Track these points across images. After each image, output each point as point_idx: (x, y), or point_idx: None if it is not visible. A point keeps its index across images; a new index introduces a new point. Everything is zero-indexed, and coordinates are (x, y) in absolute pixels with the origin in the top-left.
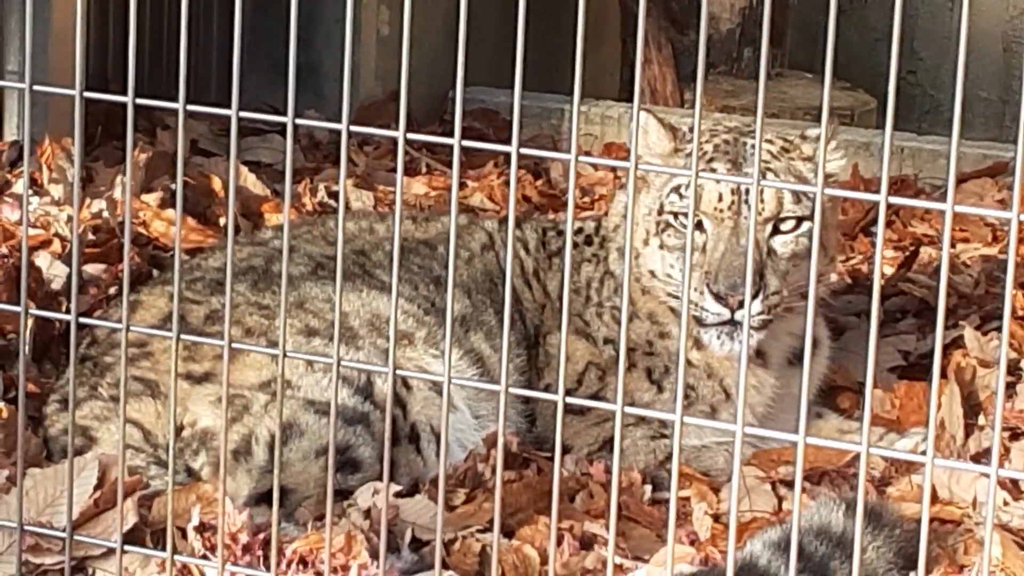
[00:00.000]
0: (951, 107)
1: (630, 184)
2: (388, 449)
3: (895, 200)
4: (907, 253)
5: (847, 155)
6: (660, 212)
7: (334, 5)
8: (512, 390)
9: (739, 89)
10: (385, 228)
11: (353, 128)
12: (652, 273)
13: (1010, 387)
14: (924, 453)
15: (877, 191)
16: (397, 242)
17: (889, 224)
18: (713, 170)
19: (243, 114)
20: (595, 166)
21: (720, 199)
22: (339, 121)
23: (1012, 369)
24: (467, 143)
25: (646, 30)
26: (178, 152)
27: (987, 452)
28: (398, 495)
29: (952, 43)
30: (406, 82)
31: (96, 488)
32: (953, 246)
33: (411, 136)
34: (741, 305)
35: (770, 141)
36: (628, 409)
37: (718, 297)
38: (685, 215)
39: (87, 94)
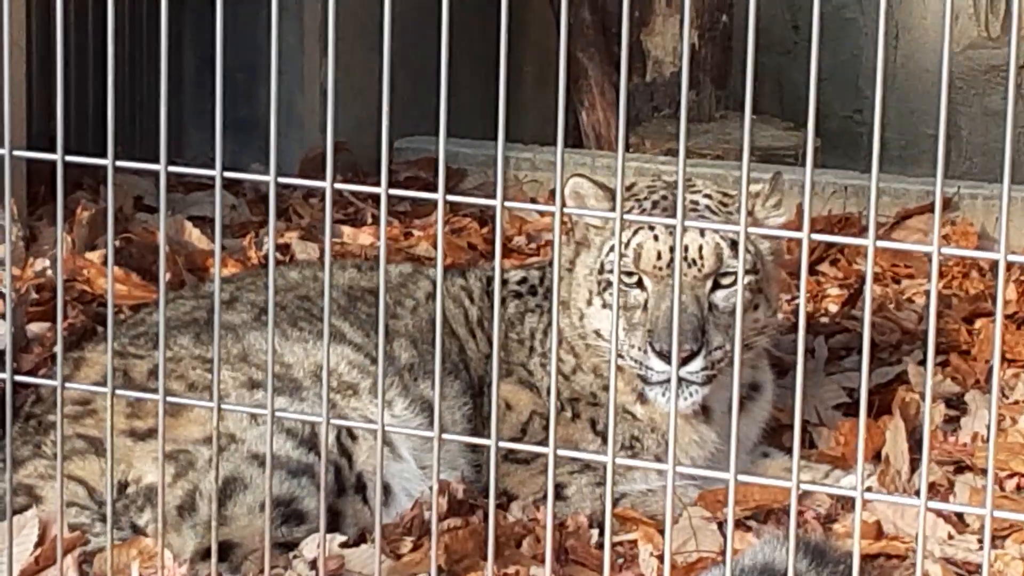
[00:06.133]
0: (897, 145)
1: (556, 229)
2: (323, 496)
3: (817, 237)
4: (851, 290)
5: (787, 206)
6: (601, 271)
7: (279, 58)
8: (446, 436)
9: None
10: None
11: (281, 180)
12: (597, 333)
13: (954, 420)
14: (867, 489)
15: (819, 230)
16: (328, 291)
17: (834, 262)
18: (651, 227)
19: (172, 168)
20: (541, 213)
21: (659, 257)
22: (286, 174)
23: (956, 403)
24: (393, 191)
25: (578, 72)
26: (108, 208)
27: (931, 487)
28: (344, 545)
29: (897, 82)
30: (332, 132)
31: (37, 546)
32: (898, 282)
33: (343, 187)
34: (685, 362)
35: (709, 196)
36: (561, 452)
37: (661, 355)
38: (625, 273)
39: (17, 153)
